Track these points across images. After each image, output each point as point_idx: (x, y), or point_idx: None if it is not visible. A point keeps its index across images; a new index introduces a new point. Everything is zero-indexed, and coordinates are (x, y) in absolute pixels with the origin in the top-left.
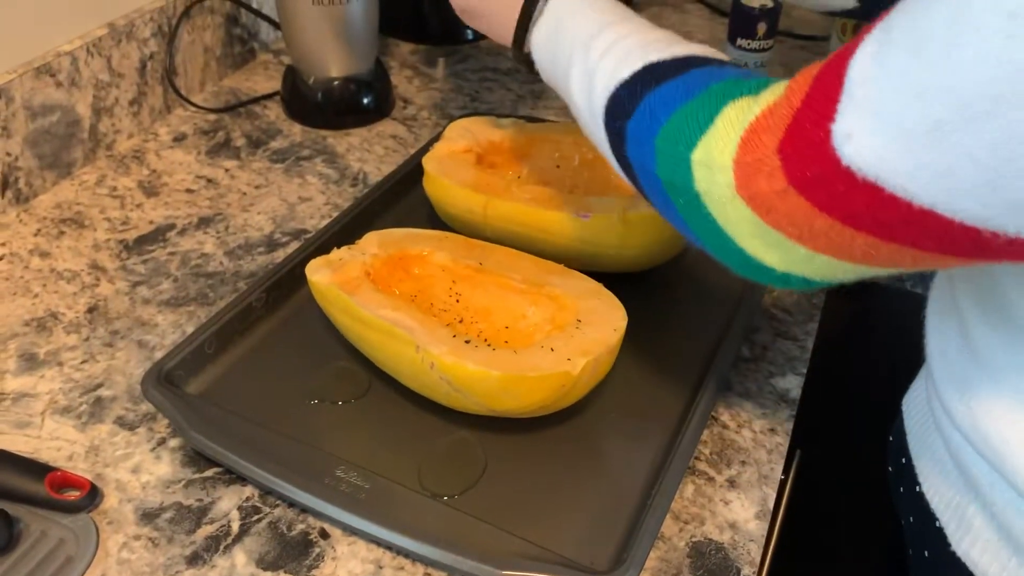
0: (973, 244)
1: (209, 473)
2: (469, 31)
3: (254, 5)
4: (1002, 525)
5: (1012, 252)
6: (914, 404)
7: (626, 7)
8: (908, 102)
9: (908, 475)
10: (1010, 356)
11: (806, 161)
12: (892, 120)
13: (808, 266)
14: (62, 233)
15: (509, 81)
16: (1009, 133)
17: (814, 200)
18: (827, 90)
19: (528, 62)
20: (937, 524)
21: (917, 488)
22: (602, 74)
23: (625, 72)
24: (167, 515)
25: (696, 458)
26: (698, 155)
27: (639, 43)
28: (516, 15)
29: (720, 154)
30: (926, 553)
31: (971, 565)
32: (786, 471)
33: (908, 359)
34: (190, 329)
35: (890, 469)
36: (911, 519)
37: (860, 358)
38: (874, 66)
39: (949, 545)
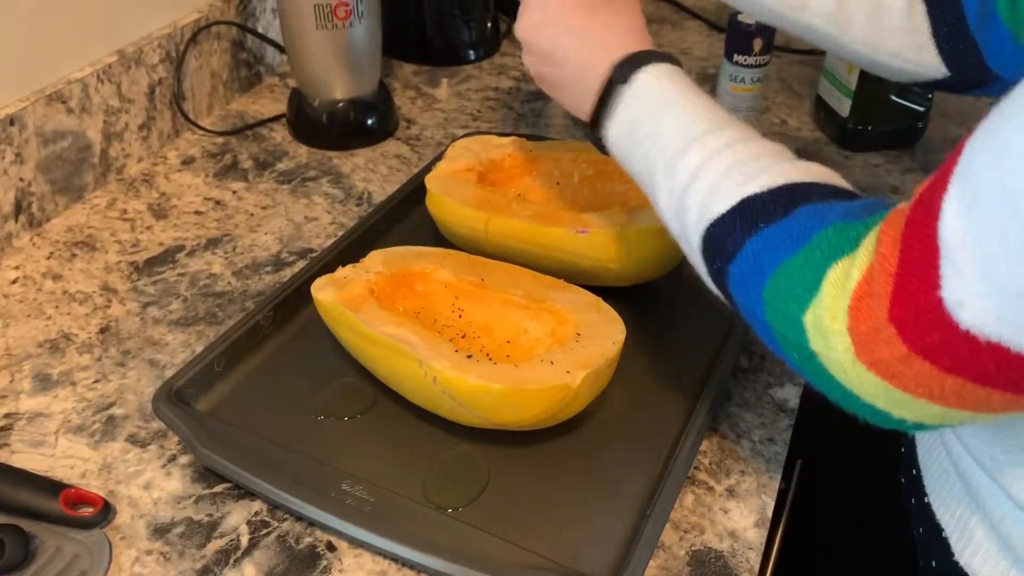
0: None
1: (219, 489)
2: (471, 52)
3: (259, 30)
4: (1002, 536)
5: None
6: None
7: (714, 104)
8: (1012, 261)
9: (917, 487)
10: None
11: (923, 329)
12: (1000, 281)
13: (945, 418)
14: (74, 256)
15: (510, 100)
16: None
17: (940, 364)
18: (923, 255)
19: (602, 147)
20: (943, 535)
21: (925, 499)
22: (694, 202)
23: (721, 206)
24: (178, 530)
25: (695, 468)
26: (810, 319)
27: (735, 163)
28: (593, 95)
29: (833, 321)
30: (934, 563)
31: (973, 575)
32: (787, 480)
33: None
34: (199, 348)
35: (902, 480)
36: (920, 530)
37: None
38: (967, 228)
39: (953, 555)
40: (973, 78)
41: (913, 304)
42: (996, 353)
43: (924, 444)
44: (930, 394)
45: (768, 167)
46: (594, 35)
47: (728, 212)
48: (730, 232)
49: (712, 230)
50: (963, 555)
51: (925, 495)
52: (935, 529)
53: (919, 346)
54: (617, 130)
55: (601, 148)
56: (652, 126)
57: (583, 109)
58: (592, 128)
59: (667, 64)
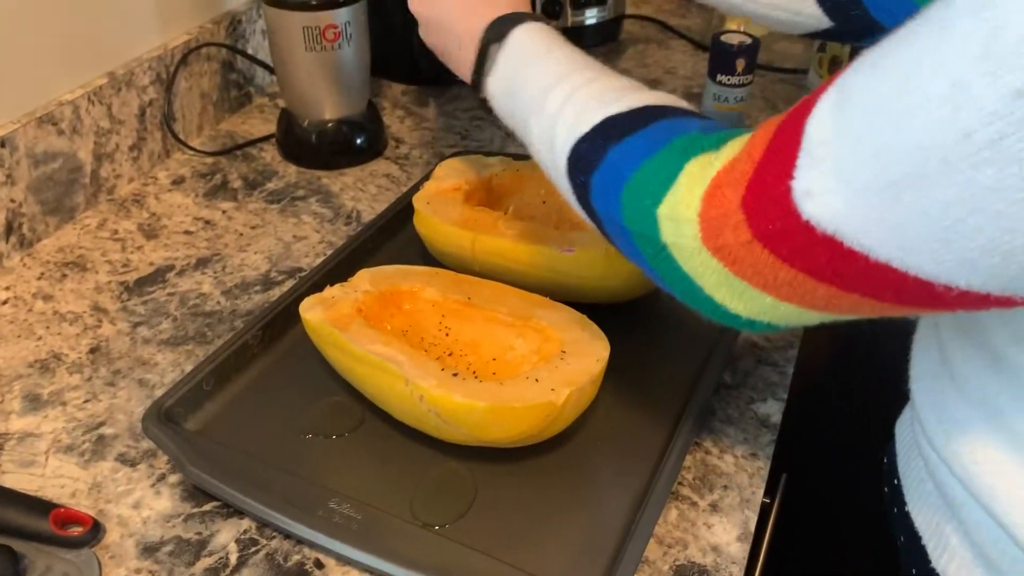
0: (928, 296)
1: (207, 507)
2: None
3: (249, 51)
4: (975, 543)
5: (964, 303)
6: (902, 427)
7: (580, 53)
8: (864, 163)
9: (898, 496)
10: (984, 381)
11: (769, 216)
12: (849, 179)
13: (774, 313)
14: (64, 276)
15: (498, 119)
16: (957, 195)
17: (777, 252)
18: (786, 147)
19: (488, 106)
20: (921, 543)
21: (905, 508)
22: (562, 127)
23: (585, 126)
24: (167, 548)
25: (679, 483)
26: (664, 210)
27: (596, 93)
28: (472, 60)
29: (686, 208)
30: (914, 571)
31: None
32: (772, 495)
33: (896, 382)
34: (189, 367)
35: (885, 490)
36: (902, 539)
37: (847, 382)
38: (832, 126)
39: (930, 562)
40: (857, 28)
41: (765, 192)
42: (829, 246)
43: (903, 454)
44: (764, 283)
45: (628, 94)
46: (475, 3)
47: (591, 130)
48: (592, 146)
49: (576, 147)
50: (939, 562)
51: (904, 504)
52: (914, 537)
53: (762, 232)
54: (495, 87)
55: (487, 108)
56: (524, 76)
57: (466, 72)
58: (475, 89)
59: (538, 23)
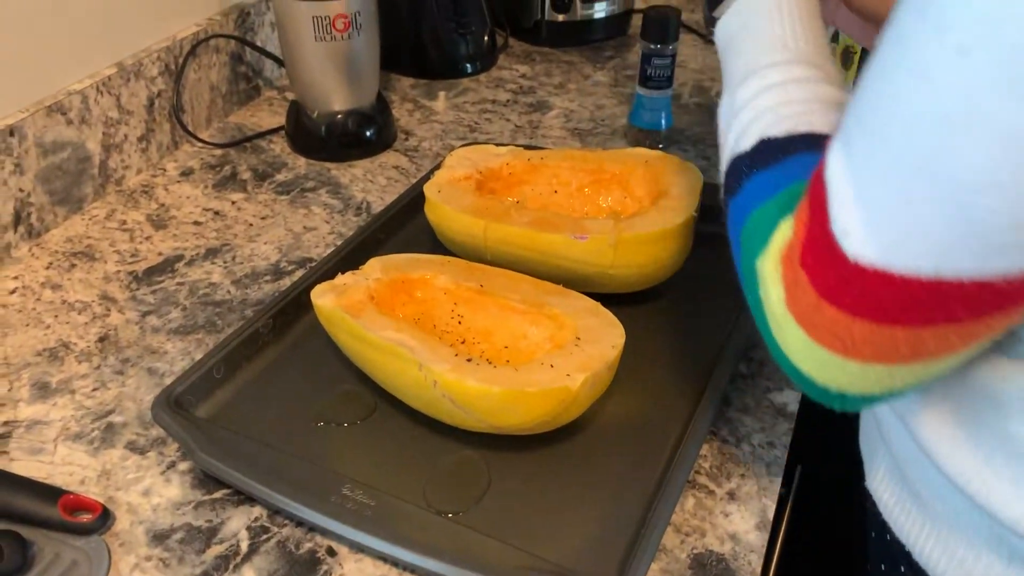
0: (995, 296)
1: (218, 494)
2: (468, 65)
3: (258, 43)
4: (897, 463)
5: None
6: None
7: (810, 27)
8: (875, 182)
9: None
10: None
11: (823, 268)
12: (871, 202)
13: (863, 382)
14: (73, 266)
15: (507, 112)
16: (961, 183)
17: (843, 306)
18: (819, 195)
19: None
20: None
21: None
22: (735, 131)
23: (745, 144)
24: (177, 536)
25: (696, 472)
26: (759, 264)
27: (773, 106)
28: None
29: (773, 270)
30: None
31: (876, 499)
32: (788, 486)
33: None
34: (199, 356)
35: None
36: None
37: None
38: (843, 159)
39: (864, 480)
40: None
41: (814, 243)
42: (884, 281)
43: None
44: (844, 347)
45: (801, 113)
46: None
47: (747, 151)
48: (740, 170)
49: (732, 163)
50: (872, 483)
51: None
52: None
53: (823, 288)
54: (723, 28)
55: (711, 31)
56: (743, 41)
57: None
58: (710, 8)
59: None
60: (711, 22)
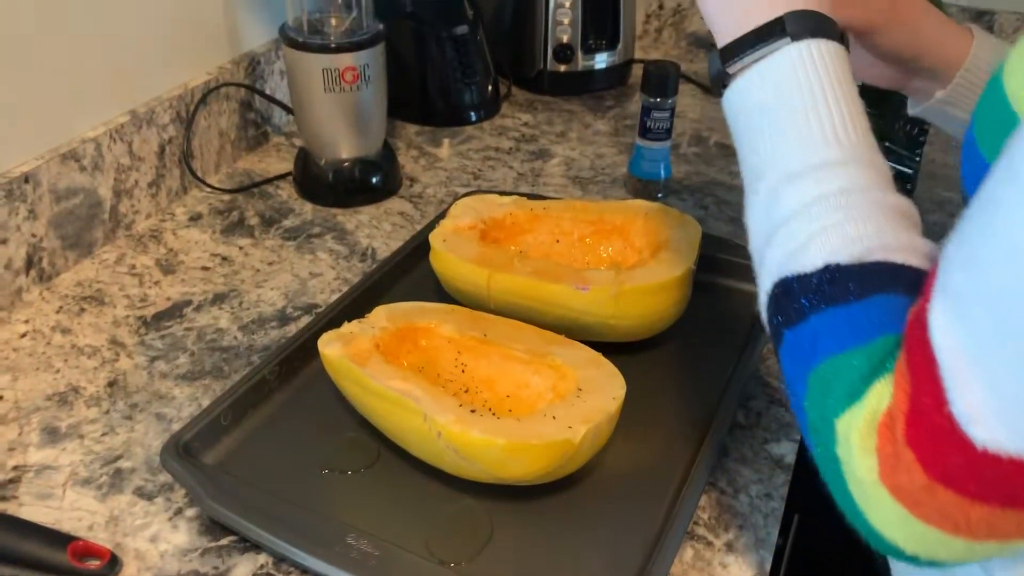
0: None
1: (224, 541)
2: (472, 113)
3: (268, 91)
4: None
5: None
6: None
7: (856, 115)
8: (1010, 365)
9: None
10: None
11: (942, 452)
12: (1004, 389)
13: (968, 555)
14: (83, 310)
15: (510, 160)
16: None
17: (964, 491)
18: (924, 370)
19: (719, 86)
20: None
21: None
22: (784, 242)
23: (804, 263)
24: None
25: (694, 523)
26: (843, 426)
27: (835, 224)
28: (747, 24)
29: (865, 438)
30: None
31: None
32: (784, 536)
33: None
34: (206, 402)
35: None
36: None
37: None
38: (958, 334)
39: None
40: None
41: (926, 424)
42: (1019, 468)
43: None
44: (956, 526)
45: (872, 235)
46: None
47: (809, 275)
48: (800, 296)
49: (787, 283)
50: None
51: None
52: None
53: (939, 472)
54: (745, 94)
55: (716, 85)
56: (780, 120)
57: (724, 26)
58: (722, 60)
59: (837, 45)
60: (719, 84)
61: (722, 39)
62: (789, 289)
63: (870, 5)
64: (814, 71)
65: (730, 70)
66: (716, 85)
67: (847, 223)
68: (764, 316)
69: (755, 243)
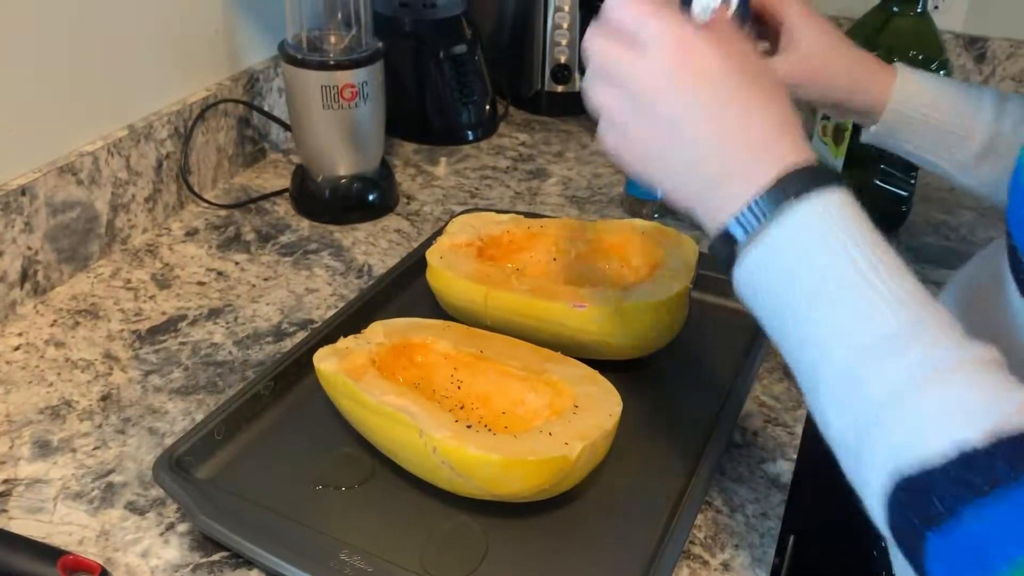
0: None
1: (216, 557)
2: (470, 132)
3: (266, 108)
4: None
5: None
6: None
7: (898, 266)
8: None
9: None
10: None
11: None
12: None
13: None
14: (77, 324)
15: (507, 179)
16: None
17: None
18: None
19: (727, 263)
20: None
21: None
22: (893, 431)
23: (927, 448)
24: None
25: (691, 542)
26: None
27: (945, 400)
28: (739, 203)
29: None
30: None
31: None
32: (781, 555)
33: None
34: (200, 416)
35: (874, 553)
36: None
37: None
38: None
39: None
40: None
41: None
42: None
43: None
44: None
45: (990, 403)
46: (749, 116)
47: (940, 466)
48: (937, 490)
49: (915, 479)
50: None
51: (892, 569)
52: None
53: None
54: (759, 273)
55: (723, 265)
56: (815, 290)
57: (708, 213)
58: (721, 242)
59: (839, 190)
60: (725, 265)
61: (713, 221)
62: (919, 487)
63: (791, 64)
64: (830, 226)
65: (734, 253)
66: (724, 267)
67: (962, 398)
68: (881, 517)
69: (842, 439)
